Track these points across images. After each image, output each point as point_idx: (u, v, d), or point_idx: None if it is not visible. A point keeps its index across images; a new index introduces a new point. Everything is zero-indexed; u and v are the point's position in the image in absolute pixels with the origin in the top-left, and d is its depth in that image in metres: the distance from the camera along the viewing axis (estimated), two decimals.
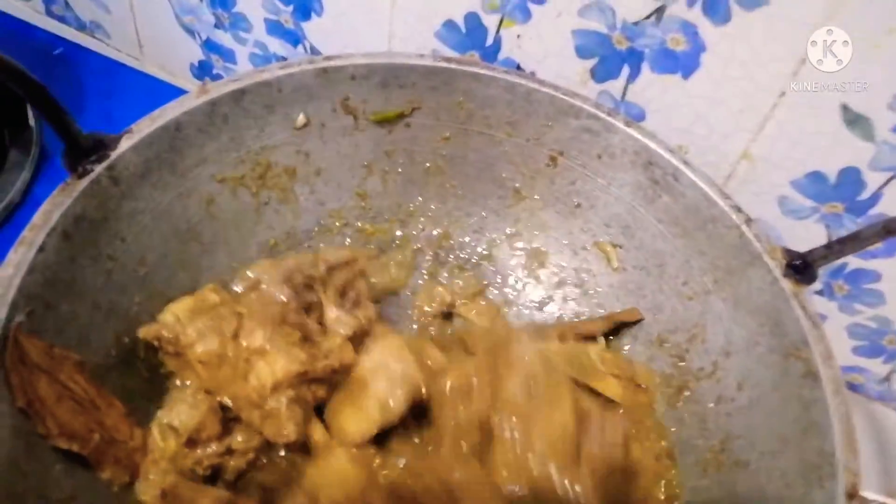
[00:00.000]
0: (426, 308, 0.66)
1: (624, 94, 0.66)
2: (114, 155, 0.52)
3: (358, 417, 0.52)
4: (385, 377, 0.53)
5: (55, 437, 0.44)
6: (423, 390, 0.53)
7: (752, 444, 0.51)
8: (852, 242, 0.49)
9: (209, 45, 0.88)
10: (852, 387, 0.77)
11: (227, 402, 0.51)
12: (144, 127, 0.54)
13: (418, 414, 0.55)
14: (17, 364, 0.44)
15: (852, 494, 0.43)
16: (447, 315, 0.67)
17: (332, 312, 0.55)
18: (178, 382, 0.53)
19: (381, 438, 0.53)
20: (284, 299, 0.53)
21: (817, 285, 0.70)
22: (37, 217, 0.48)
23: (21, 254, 0.46)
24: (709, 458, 0.54)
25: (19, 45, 0.96)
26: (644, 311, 0.63)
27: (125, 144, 0.53)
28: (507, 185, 0.67)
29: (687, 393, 0.58)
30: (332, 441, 0.52)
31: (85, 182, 0.50)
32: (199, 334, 0.50)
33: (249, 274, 0.55)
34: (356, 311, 0.57)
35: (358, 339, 0.55)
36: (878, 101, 0.55)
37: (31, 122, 0.84)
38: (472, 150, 0.66)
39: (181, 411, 0.50)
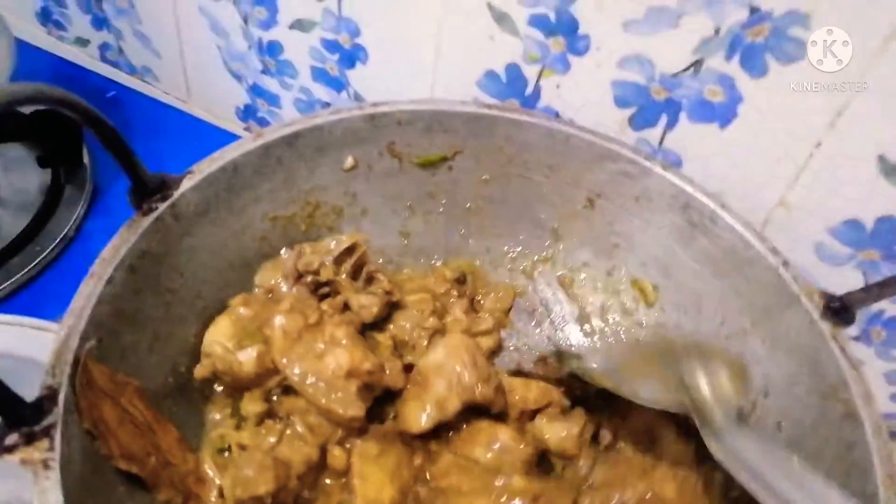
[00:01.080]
0: None
1: (661, 141, 0.68)
2: (176, 194, 0.55)
3: (418, 412, 0.57)
4: (445, 378, 0.58)
5: (117, 458, 0.46)
6: (478, 393, 0.57)
7: None
8: (891, 286, 0.50)
9: (255, 90, 0.92)
10: (894, 434, 0.77)
11: (294, 374, 0.54)
12: (205, 168, 0.57)
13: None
14: (85, 388, 0.47)
15: None
16: None
17: (355, 301, 0.61)
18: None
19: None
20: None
21: (855, 331, 0.70)
22: (106, 252, 0.50)
23: (91, 286, 0.48)
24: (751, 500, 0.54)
25: (75, 88, 0.99)
26: None
27: (186, 184, 0.55)
28: (545, 225, 0.70)
29: None
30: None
31: (150, 219, 0.53)
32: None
33: (257, 281, 0.61)
34: (371, 287, 0.63)
35: (385, 308, 0.63)
36: None
37: (86, 160, 0.88)
38: (511, 191, 0.69)
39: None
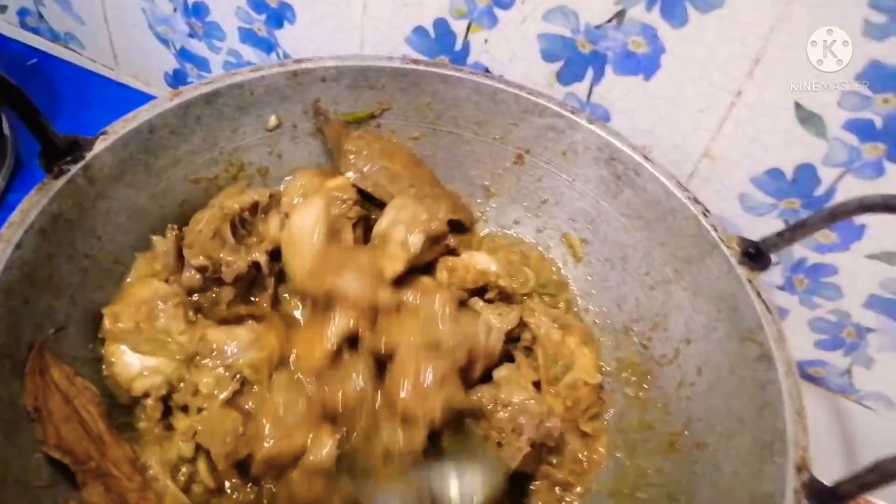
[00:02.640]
0: None
1: (589, 96, 0.68)
2: (89, 155, 0.53)
3: (388, 260, 0.58)
4: (402, 225, 0.60)
5: (51, 446, 0.46)
6: (433, 226, 0.60)
7: (711, 426, 0.53)
8: (802, 229, 0.52)
9: (183, 54, 0.90)
10: (814, 380, 0.79)
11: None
12: (119, 128, 0.55)
13: None
14: (35, 374, 0.47)
15: (801, 467, 0.45)
16: None
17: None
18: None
19: None
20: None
21: (779, 280, 0.72)
22: (14, 215, 0.49)
23: None
24: (671, 441, 0.56)
25: None
26: (610, 303, 0.65)
27: (100, 146, 0.54)
28: (476, 182, 0.70)
29: (650, 379, 0.60)
30: None
31: (61, 182, 0.51)
32: None
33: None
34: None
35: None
36: (829, 99, 0.58)
37: (6, 130, 0.85)
38: (441, 149, 0.68)
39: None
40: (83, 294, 0.53)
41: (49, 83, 0.95)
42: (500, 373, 0.58)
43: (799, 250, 0.69)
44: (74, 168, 0.52)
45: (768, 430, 0.48)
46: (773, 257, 0.70)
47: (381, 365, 0.54)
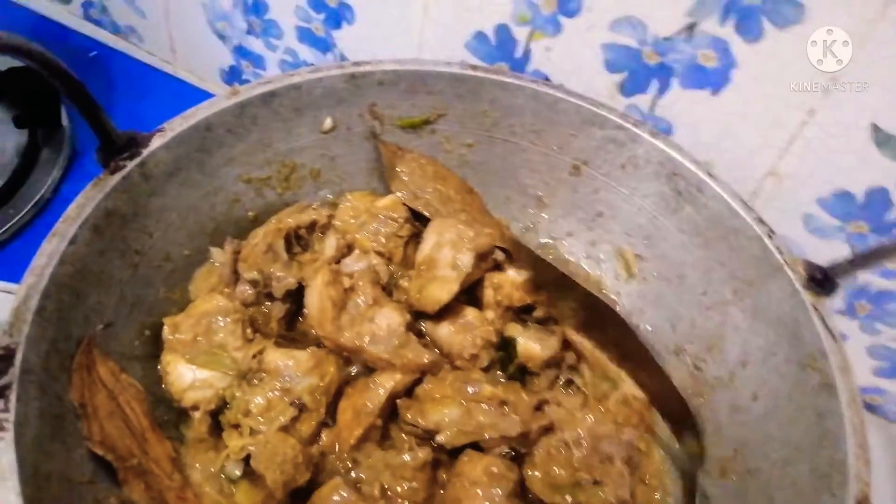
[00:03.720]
0: None
1: (652, 108, 0.66)
2: (146, 152, 0.53)
3: (439, 285, 0.58)
4: (447, 247, 0.59)
5: (95, 442, 0.46)
6: (481, 241, 0.58)
7: (766, 453, 0.51)
8: (875, 256, 0.49)
9: (240, 51, 0.90)
10: (871, 408, 0.76)
11: (346, 342, 0.55)
12: (176, 126, 0.55)
13: None
14: (83, 369, 0.47)
15: (861, 502, 0.42)
16: None
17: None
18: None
19: None
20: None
21: (840, 304, 0.69)
22: (70, 210, 0.49)
23: (54, 244, 0.47)
24: (722, 466, 0.53)
25: (55, 46, 0.97)
26: (662, 322, 0.63)
27: (157, 142, 0.54)
28: (529, 192, 0.68)
29: (701, 401, 0.58)
30: None
31: (117, 178, 0.52)
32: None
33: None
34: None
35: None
36: None
37: (64, 122, 0.86)
38: (495, 157, 0.67)
39: None
40: (132, 290, 0.53)
41: (107, 75, 0.96)
42: (551, 415, 0.56)
43: (863, 275, 0.66)
44: (131, 164, 0.52)
45: (826, 461, 0.46)
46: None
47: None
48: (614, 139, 0.62)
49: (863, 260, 0.50)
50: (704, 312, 0.60)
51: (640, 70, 0.63)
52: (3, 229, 0.75)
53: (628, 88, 0.65)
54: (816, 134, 0.59)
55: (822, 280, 0.52)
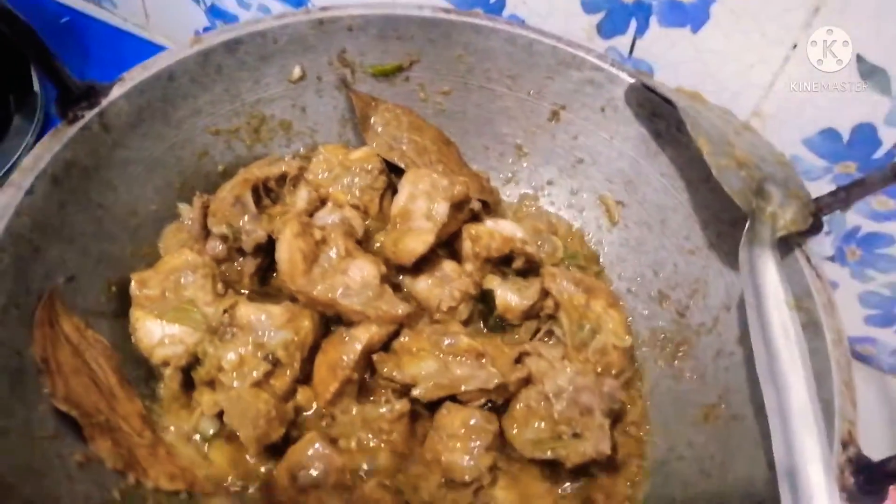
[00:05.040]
0: None
1: (632, 49, 0.64)
2: (105, 102, 0.52)
3: (414, 236, 0.56)
4: (422, 198, 0.57)
5: (59, 398, 0.45)
6: (456, 191, 0.56)
7: (750, 398, 0.49)
8: (858, 188, 0.47)
9: (214, 12, 0.88)
10: (863, 358, 0.75)
11: (318, 295, 0.53)
12: (136, 75, 0.53)
13: None
14: (45, 324, 0.46)
15: (847, 442, 0.41)
16: None
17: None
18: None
19: None
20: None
21: (829, 251, 0.68)
22: (26, 161, 0.48)
23: (9, 195, 0.46)
24: (706, 413, 0.52)
25: (25, 13, 0.95)
26: (645, 268, 0.61)
27: (117, 92, 0.52)
28: (507, 140, 0.66)
29: (685, 348, 0.56)
30: None
31: (75, 128, 0.50)
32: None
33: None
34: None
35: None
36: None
37: (36, 88, 0.84)
38: (472, 104, 0.65)
39: None
40: (96, 244, 0.52)
41: (81, 42, 0.94)
42: (531, 367, 0.54)
43: (853, 218, 0.65)
44: (90, 114, 0.50)
45: None
46: (825, 225, 0.66)
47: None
48: (592, 81, 0.60)
49: (846, 192, 0.48)
50: (687, 257, 0.58)
51: (617, 9, 0.61)
52: None
53: (606, 29, 0.63)
54: (799, 70, 0.57)
55: None
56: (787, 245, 0.50)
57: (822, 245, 0.68)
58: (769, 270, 0.47)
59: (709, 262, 0.56)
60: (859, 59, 0.54)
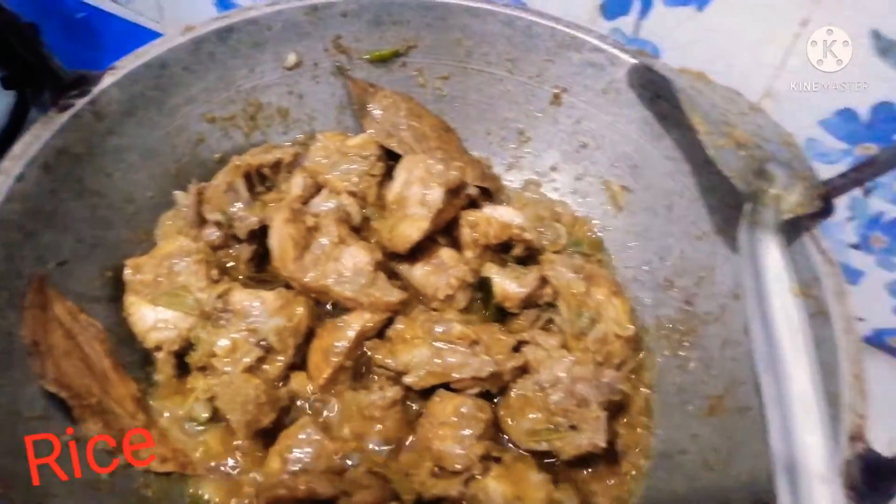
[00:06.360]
0: None
1: (636, 31, 0.62)
2: (96, 90, 0.52)
3: (409, 223, 0.55)
4: (417, 184, 0.56)
5: (49, 380, 0.45)
6: (451, 176, 0.55)
7: (757, 390, 0.47)
8: (869, 168, 0.45)
9: (224, 4, 0.88)
10: (893, 350, 0.72)
11: (310, 281, 0.53)
12: (128, 63, 0.53)
13: None
14: (36, 307, 0.46)
15: (856, 437, 0.39)
16: None
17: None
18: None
19: None
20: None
21: (853, 238, 0.65)
22: (15, 148, 0.48)
23: None
24: (712, 405, 0.50)
25: (42, 9, 0.97)
26: (651, 255, 0.59)
27: (108, 80, 0.52)
28: (509, 125, 0.65)
29: (691, 338, 0.54)
30: None
31: (66, 116, 0.50)
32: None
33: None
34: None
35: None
36: None
37: None
38: (472, 89, 0.64)
39: None
40: (90, 230, 0.52)
41: (96, 37, 0.95)
42: (528, 356, 0.53)
43: (876, 203, 0.62)
44: (81, 102, 0.50)
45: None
46: (845, 210, 0.63)
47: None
48: (593, 62, 0.58)
49: (856, 173, 0.46)
50: (694, 243, 0.56)
51: None
52: None
53: (610, 10, 0.62)
54: (811, 47, 0.55)
55: None
56: (795, 229, 0.48)
57: (845, 232, 0.65)
58: (771, 255, 0.44)
59: (716, 247, 0.54)
60: (875, 34, 0.52)
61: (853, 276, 0.67)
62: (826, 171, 0.58)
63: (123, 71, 0.53)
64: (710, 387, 0.51)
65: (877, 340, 0.71)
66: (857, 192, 0.61)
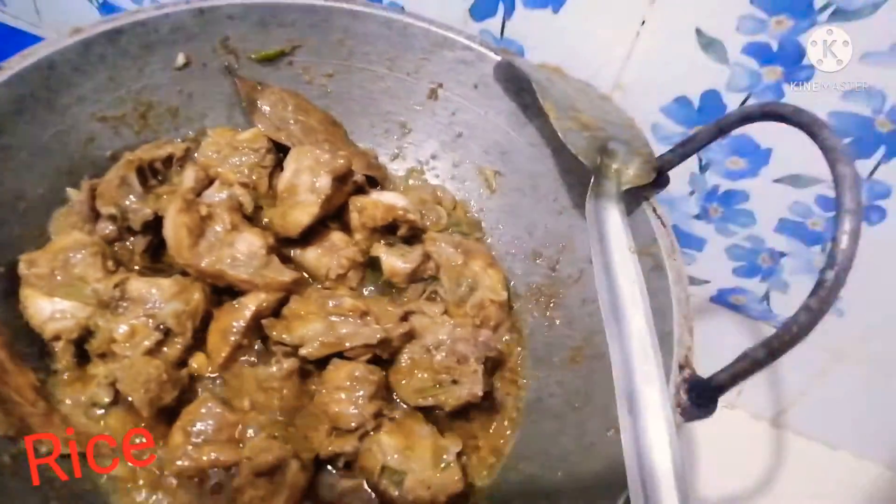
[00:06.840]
0: None
1: (502, 31, 0.68)
2: None
3: (300, 209, 0.59)
4: (306, 172, 0.60)
5: None
6: (338, 164, 0.59)
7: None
8: (691, 143, 0.53)
9: (106, 8, 0.88)
10: (736, 308, 0.82)
11: (206, 267, 0.55)
12: (15, 64, 0.55)
13: None
14: None
15: (683, 365, 0.46)
16: None
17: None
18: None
19: None
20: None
21: (695, 209, 0.74)
22: None
23: None
24: (573, 355, 0.57)
25: None
26: (520, 230, 0.66)
27: None
28: (391, 119, 0.70)
29: (556, 299, 0.61)
30: None
31: None
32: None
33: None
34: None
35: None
36: (728, 24, 0.59)
37: None
38: (355, 86, 0.69)
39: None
40: None
41: None
42: (414, 323, 0.58)
43: (712, 178, 0.71)
44: None
45: (659, 333, 0.49)
46: (687, 185, 0.72)
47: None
48: (464, 60, 0.65)
49: (681, 148, 0.54)
50: (556, 217, 0.63)
51: None
52: None
53: (478, 12, 0.68)
54: (650, 44, 0.63)
55: None
56: (636, 199, 0.56)
57: (688, 205, 0.74)
58: (612, 219, 0.52)
59: (574, 220, 0.62)
60: (698, 32, 0.60)
61: (698, 243, 0.77)
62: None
63: (11, 72, 0.54)
64: (572, 339, 0.58)
65: (721, 299, 0.81)
66: (695, 168, 0.70)
